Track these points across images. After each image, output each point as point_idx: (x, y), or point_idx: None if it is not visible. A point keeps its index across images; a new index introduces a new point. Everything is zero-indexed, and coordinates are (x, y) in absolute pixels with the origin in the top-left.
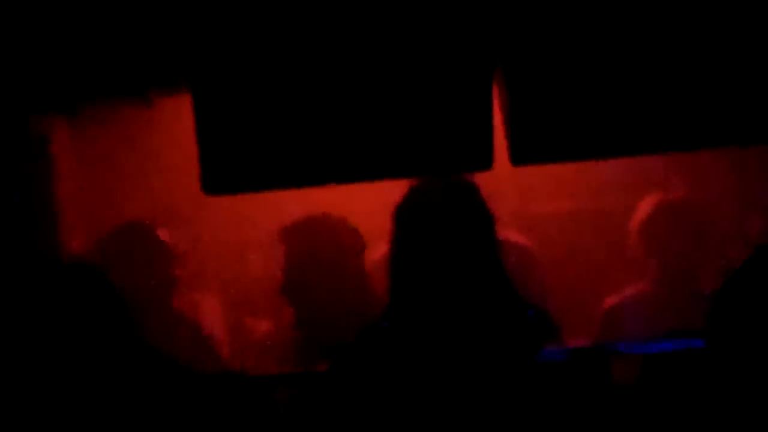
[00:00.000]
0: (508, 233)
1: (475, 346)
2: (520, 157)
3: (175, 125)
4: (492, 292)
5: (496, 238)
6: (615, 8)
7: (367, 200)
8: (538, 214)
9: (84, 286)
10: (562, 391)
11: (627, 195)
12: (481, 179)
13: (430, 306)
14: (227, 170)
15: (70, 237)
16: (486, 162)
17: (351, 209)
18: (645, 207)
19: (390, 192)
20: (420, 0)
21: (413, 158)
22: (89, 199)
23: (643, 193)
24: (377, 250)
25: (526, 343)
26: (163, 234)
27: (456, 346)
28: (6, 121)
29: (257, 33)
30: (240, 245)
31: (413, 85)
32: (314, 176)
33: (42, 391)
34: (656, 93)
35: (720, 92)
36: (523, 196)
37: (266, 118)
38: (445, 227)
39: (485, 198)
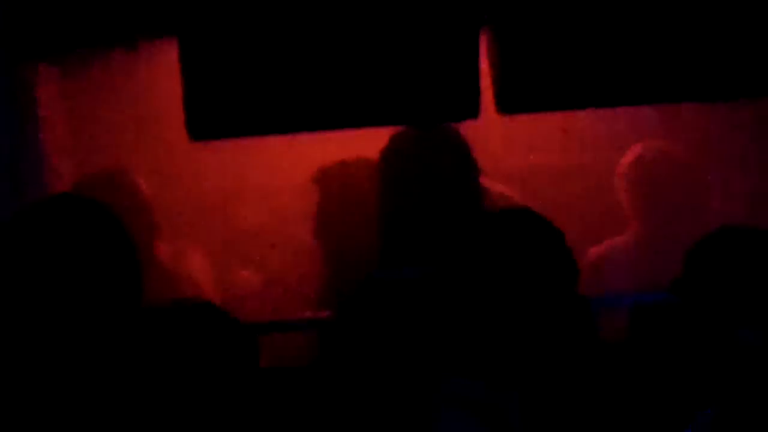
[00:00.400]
0: (493, 183)
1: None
2: (507, 106)
3: (161, 73)
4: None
5: (480, 188)
6: None
7: (354, 148)
8: (523, 165)
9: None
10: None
11: (613, 147)
12: (468, 129)
13: (415, 254)
14: (213, 116)
15: (56, 183)
16: (473, 110)
17: (338, 157)
18: (629, 159)
19: (376, 140)
20: None
21: (400, 106)
22: (75, 146)
23: (629, 146)
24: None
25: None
26: (146, 182)
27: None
28: None
29: None
30: (226, 194)
31: (401, 32)
32: (300, 123)
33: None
34: (644, 44)
35: (708, 45)
36: (509, 147)
37: (253, 63)
38: (430, 176)
39: (471, 147)
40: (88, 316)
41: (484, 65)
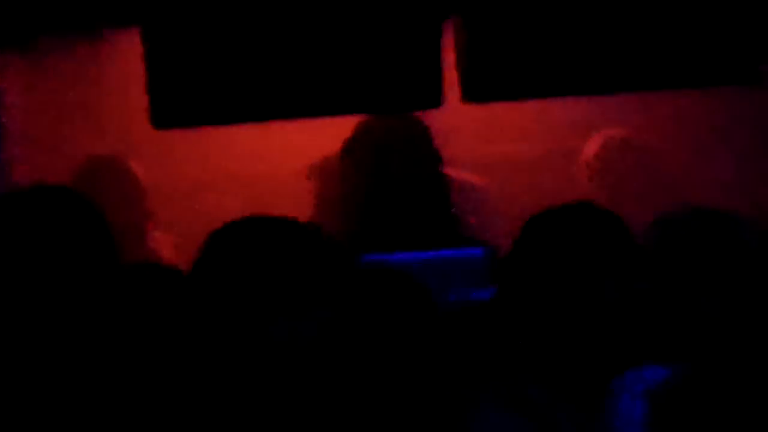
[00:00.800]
0: (461, 172)
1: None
2: (473, 95)
3: (126, 60)
4: (438, 230)
5: (444, 176)
6: None
7: (319, 136)
8: (492, 154)
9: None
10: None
11: (580, 136)
12: (436, 118)
13: (379, 242)
14: (176, 105)
15: (20, 171)
16: (435, 100)
17: (303, 145)
18: (593, 146)
19: (340, 128)
20: None
21: (365, 95)
22: (39, 134)
23: (595, 135)
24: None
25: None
26: (115, 169)
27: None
28: None
29: None
30: (194, 183)
31: (365, 23)
32: (265, 112)
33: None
34: (608, 33)
35: (674, 33)
36: (479, 136)
37: (217, 53)
38: (393, 164)
39: (437, 136)
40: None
41: (451, 55)
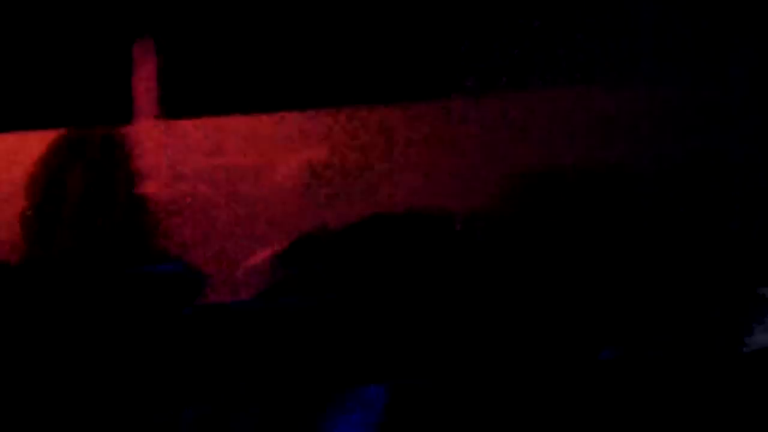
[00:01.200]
0: (161, 187)
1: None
2: (169, 111)
3: None
4: (132, 246)
5: (136, 191)
6: None
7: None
8: (192, 169)
9: None
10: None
11: (285, 151)
12: (136, 133)
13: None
14: None
15: None
16: (125, 115)
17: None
18: (294, 162)
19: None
20: None
21: (57, 109)
22: None
23: (299, 150)
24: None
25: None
26: None
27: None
28: None
29: None
30: None
31: (53, 37)
32: None
33: None
34: (309, 49)
35: (377, 50)
36: (179, 151)
37: None
38: (87, 179)
39: (136, 151)
40: None
41: (150, 72)
